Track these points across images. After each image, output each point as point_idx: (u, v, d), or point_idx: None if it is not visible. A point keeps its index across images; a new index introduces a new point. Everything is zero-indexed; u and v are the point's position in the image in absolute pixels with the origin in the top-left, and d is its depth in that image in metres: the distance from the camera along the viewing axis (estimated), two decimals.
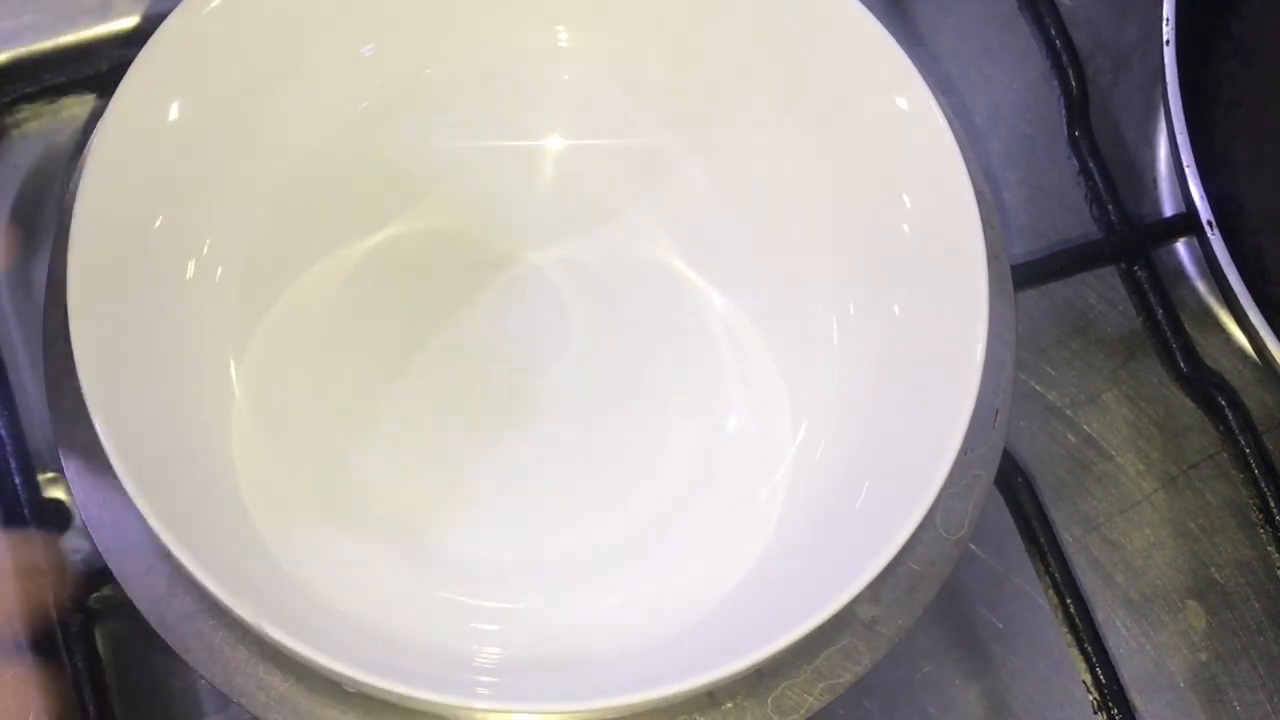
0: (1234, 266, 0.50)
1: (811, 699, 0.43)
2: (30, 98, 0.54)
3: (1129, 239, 0.55)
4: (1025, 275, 0.53)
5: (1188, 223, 0.54)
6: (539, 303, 0.49)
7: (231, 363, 0.47)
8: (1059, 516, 0.52)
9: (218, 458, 0.46)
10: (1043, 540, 0.51)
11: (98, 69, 0.53)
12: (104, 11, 0.54)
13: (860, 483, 0.45)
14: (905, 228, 0.46)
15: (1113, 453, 0.53)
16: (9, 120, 0.54)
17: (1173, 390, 0.54)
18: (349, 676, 0.39)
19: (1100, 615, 0.51)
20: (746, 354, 0.49)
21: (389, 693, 0.39)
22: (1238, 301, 0.49)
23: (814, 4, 0.46)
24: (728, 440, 0.48)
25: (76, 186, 0.43)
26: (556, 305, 0.49)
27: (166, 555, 0.40)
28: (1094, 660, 0.50)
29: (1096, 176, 0.56)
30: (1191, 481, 0.53)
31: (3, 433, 0.49)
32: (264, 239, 0.48)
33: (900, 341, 0.46)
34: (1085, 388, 0.54)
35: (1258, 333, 0.49)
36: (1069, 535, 0.52)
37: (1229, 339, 0.55)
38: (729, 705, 0.43)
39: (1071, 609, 0.50)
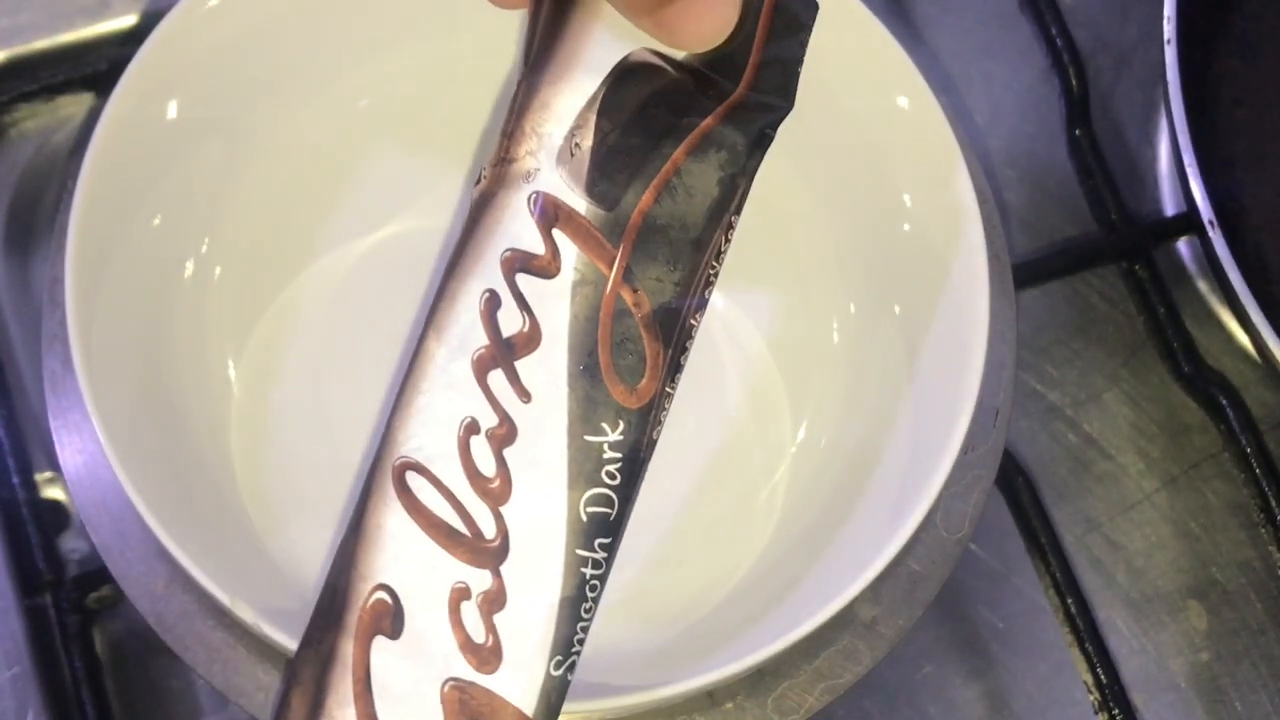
0: (1235, 265, 0.50)
1: (811, 699, 0.43)
2: (28, 97, 0.54)
3: (1130, 238, 0.55)
4: (1026, 274, 0.53)
5: (1189, 222, 0.54)
6: None
7: (230, 362, 0.47)
8: (1059, 516, 0.52)
9: (217, 458, 0.45)
10: (1043, 540, 0.51)
11: (96, 68, 0.53)
12: (102, 10, 0.54)
13: (860, 483, 0.45)
14: (905, 228, 0.46)
15: (1114, 452, 0.53)
16: (7, 119, 0.54)
17: (1174, 390, 0.54)
18: None
19: (1101, 615, 0.51)
20: (746, 354, 0.49)
21: None
22: (1239, 301, 0.49)
23: None
24: (728, 440, 0.48)
25: (74, 186, 0.43)
26: None
27: (165, 555, 0.40)
28: (1095, 660, 0.50)
29: (1097, 176, 0.56)
30: (1193, 481, 0.53)
31: (2, 433, 0.49)
32: (263, 238, 0.48)
33: (900, 341, 0.46)
34: (1086, 387, 0.54)
35: (1259, 332, 0.49)
36: (1069, 535, 0.52)
37: (1230, 338, 0.55)
38: (729, 705, 0.43)
39: (1072, 609, 0.50)
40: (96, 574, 0.47)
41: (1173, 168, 0.56)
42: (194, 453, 0.45)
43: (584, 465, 0.38)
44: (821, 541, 0.44)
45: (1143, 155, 0.57)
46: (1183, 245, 0.56)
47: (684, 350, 0.40)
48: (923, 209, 0.46)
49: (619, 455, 0.38)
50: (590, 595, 0.38)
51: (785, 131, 0.49)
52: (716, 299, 0.49)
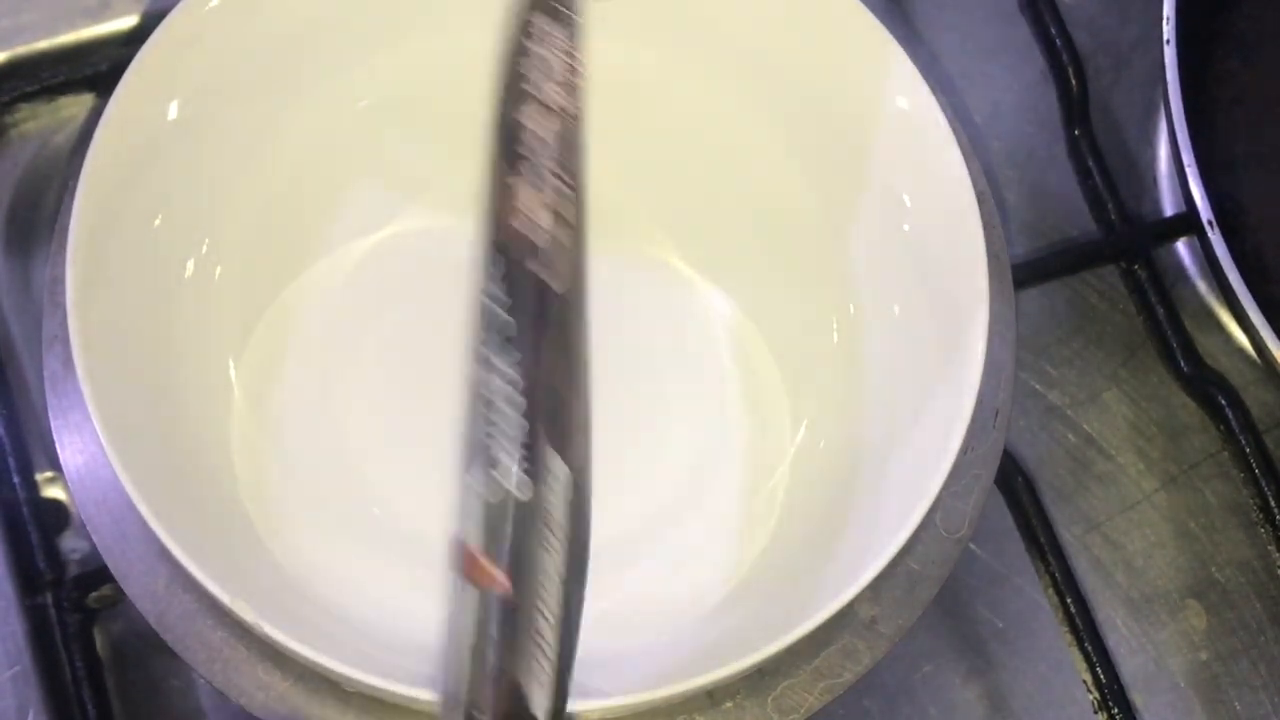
0: (1234, 266, 0.50)
1: (811, 699, 0.43)
2: (29, 97, 0.54)
3: (1129, 238, 0.55)
4: (1025, 274, 0.53)
5: (1188, 222, 0.54)
6: None
7: (231, 362, 0.47)
8: (1059, 516, 0.52)
9: (217, 457, 0.46)
10: (1043, 540, 0.51)
11: (97, 68, 0.53)
12: (103, 10, 0.54)
13: (860, 483, 0.45)
14: (905, 228, 0.46)
15: (1113, 452, 0.53)
16: (8, 120, 0.54)
17: (1173, 390, 0.54)
18: (348, 676, 0.39)
19: (1100, 615, 0.51)
20: (746, 354, 0.49)
21: (389, 693, 0.39)
22: (1238, 301, 0.49)
23: (814, 4, 0.46)
24: (728, 440, 0.48)
25: (75, 186, 0.43)
26: None
27: (166, 555, 0.40)
28: (1094, 660, 0.50)
29: (1097, 176, 0.56)
30: (1192, 481, 0.53)
31: (2, 432, 0.49)
32: (263, 238, 0.48)
33: (900, 341, 0.46)
34: (1085, 387, 0.54)
35: (1258, 332, 0.49)
36: (1069, 535, 0.52)
37: (1229, 338, 0.55)
38: (729, 705, 0.43)
39: (1072, 608, 0.50)
40: (97, 573, 0.47)
41: (1172, 168, 0.56)
42: (194, 452, 0.45)
43: None
44: (821, 542, 0.44)
45: (1142, 155, 0.57)
46: (1182, 245, 0.56)
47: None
48: (923, 209, 0.46)
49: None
50: None
51: (785, 131, 0.49)
52: (716, 299, 0.49)
